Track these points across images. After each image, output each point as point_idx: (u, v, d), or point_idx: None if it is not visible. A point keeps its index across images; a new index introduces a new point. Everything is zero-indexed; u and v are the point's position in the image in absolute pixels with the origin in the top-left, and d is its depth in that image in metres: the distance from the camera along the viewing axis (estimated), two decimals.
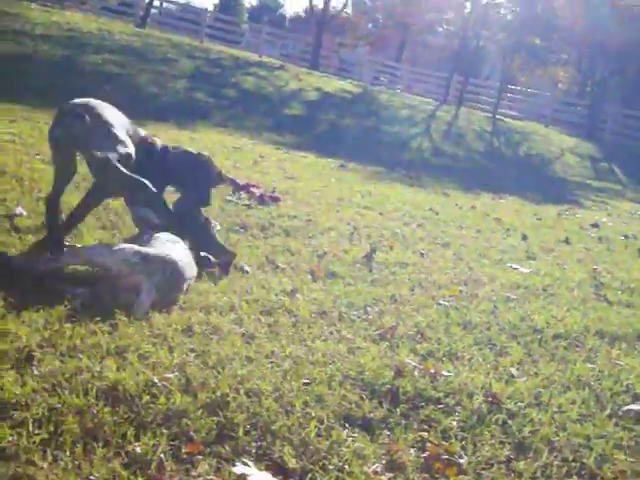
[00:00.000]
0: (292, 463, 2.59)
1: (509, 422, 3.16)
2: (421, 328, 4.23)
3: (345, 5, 41.48)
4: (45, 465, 2.36)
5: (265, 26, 36.51)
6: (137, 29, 25.10)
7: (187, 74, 20.59)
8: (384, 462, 2.70)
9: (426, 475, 2.67)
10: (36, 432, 2.52)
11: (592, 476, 2.88)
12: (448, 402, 3.26)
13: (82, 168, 4.78)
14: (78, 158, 4.65)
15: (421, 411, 3.16)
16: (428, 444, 2.86)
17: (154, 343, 3.38)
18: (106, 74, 18.27)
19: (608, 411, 3.44)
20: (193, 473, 2.46)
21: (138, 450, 2.51)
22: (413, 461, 2.73)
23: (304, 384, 3.19)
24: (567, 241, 8.48)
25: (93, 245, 4.46)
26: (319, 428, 2.83)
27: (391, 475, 2.63)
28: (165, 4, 36.91)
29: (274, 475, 2.52)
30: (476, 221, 9.03)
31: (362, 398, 3.17)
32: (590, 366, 4.02)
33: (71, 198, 5.73)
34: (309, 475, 2.55)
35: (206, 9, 35.71)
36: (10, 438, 2.46)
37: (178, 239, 4.45)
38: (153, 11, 31.82)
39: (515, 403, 3.35)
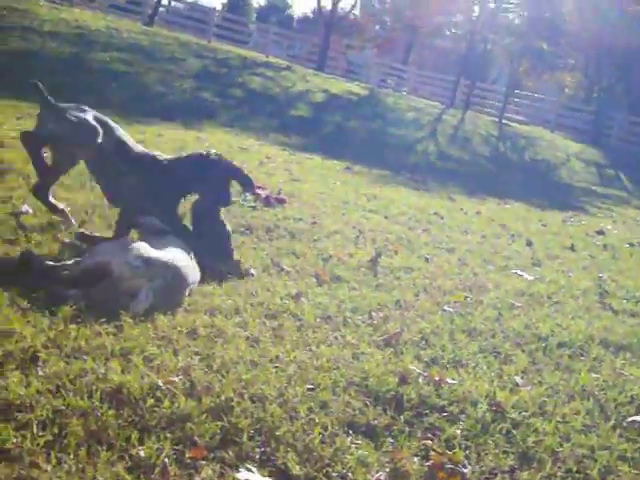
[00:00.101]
0: (296, 470, 2.58)
1: (513, 431, 3.16)
2: (426, 334, 4.23)
3: (353, 7, 41.45)
4: (49, 468, 2.36)
5: (273, 26, 36.53)
6: (145, 27, 25.10)
7: (194, 73, 20.59)
8: (388, 470, 2.70)
9: None
10: (40, 434, 2.52)
11: None
12: (452, 410, 3.26)
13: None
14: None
15: (425, 419, 3.15)
16: (432, 453, 2.85)
17: (159, 345, 3.38)
18: (113, 72, 18.27)
19: (612, 422, 3.43)
20: (196, 478, 2.46)
21: (142, 454, 2.51)
22: (417, 470, 2.72)
23: (308, 389, 3.19)
24: (572, 248, 8.46)
25: (102, 243, 4.44)
26: (323, 435, 2.83)
27: None
28: (173, 3, 36.99)
29: None
30: (481, 226, 9.02)
31: (366, 405, 3.16)
32: (594, 376, 4.01)
33: (77, 195, 5.75)
34: None
35: (214, 8, 35.78)
36: (14, 440, 2.46)
37: (182, 243, 4.44)
38: (161, 10, 31.82)
39: (519, 412, 3.35)
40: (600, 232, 10.52)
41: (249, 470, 2.51)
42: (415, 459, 2.80)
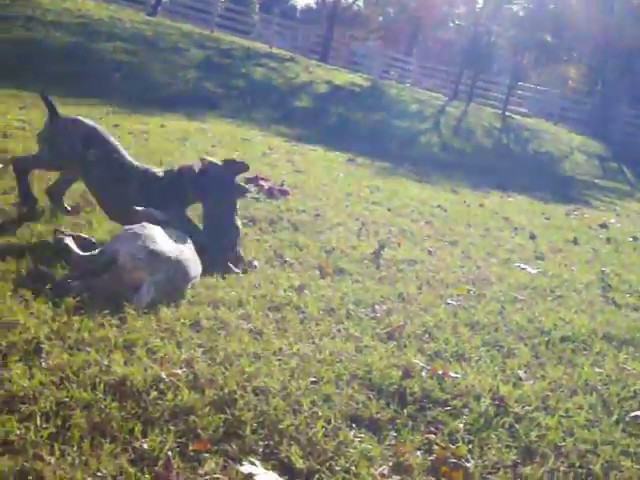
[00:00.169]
0: (299, 463, 2.58)
1: (516, 426, 3.15)
2: (429, 328, 4.22)
3: None
4: (52, 460, 2.36)
5: (276, 17, 36.40)
6: (148, 17, 25.04)
7: (197, 63, 20.56)
8: (391, 464, 2.70)
9: (433, 478, 2.67)
10: (44, 426, 2.52)
11: None
12: (455, 404, 3.25)
13: None
14: None
15: (428, 413, 3.15)
16: (435, 447, 2.85)
17: (162, 337, 3.38)
18: (116, 62, 18.26)
19: (615, 417, 3.42)
20: (200, 471, 2.46)
21: (145, 446, 2.51)
22: (420, 464, 2.72)
23: (311, 383, 3.18)
24: (575, 241, 8.45)
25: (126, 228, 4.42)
26: (326, 428, 2.83)
27: (398, 478, 2.62)
28: None
29: (281, 475, 2.51)
30: (484, 219, 9.00)
31: (369, 398, 3.16)
32: (597, 370, 4.00)
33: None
34: (316, 476, 2.54)
35: None
36: (17, 432, 2.46)
37: (181, 233, 4.40)
38: (164, 0, 31.72)
39: (522, 407, 3.34)
40: (603, 225, 10.51)
41: (252, 463, 2.51)
42: (418, 453, 2.80)
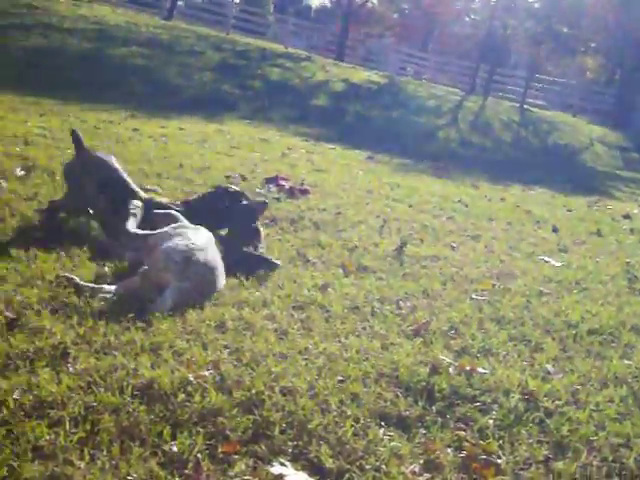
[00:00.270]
0: (329, 463, 2.57)
1: (546, 421, 3.12)
2: (455, 323, 4.19)
3: None
4: (82, 465, 2.36)
5: (291, 17, 36.42)
6: (163, 21, 25.13)
7: (213, 66, 20.59)
8: (421, 462, 2.67)
9: (464, 476, 2.64)
10: (73, 431, 2.52)
11: (633, 477, 2.83)
12: (484, 400, 3.23)
13: None
14: None
15: (457, 409, 3.12)
16: (465, 443, 2.83)
17: (188, 339, 3.38)
18: (133, 66, 18.34)
19: None
20: (230, 473, 2.44)
21: (174, 449, 2.51)
22: (451, 461, 2.69)
23: (339, 381, 3.17)
24: (599, 233, 8.38)
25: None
26: (355, 427, 2.81)
27: (429, 476, 2.60)
28: None
29: (311, 475, 2.50)
30: (506, 213, 8.95)
31: (397, 396, 3.14)
32: (627, 362, 3.95)
33: None
34: (346, 475, 2.52)
35: (232, 1, 35.62)
36: (47, 437, 2.46)
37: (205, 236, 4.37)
38: (179, 3, 31.83)
39: (552, 401, 3.31)
40: (626, 216, 10.42)
41: (282, 464, 2.50)
42: (449, 450, 2.78)
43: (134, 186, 5.03)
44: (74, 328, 3.30)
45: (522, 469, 2.74)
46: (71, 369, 2.92)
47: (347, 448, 2.67)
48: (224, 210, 5.06)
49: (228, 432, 2.65)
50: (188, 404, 2.78)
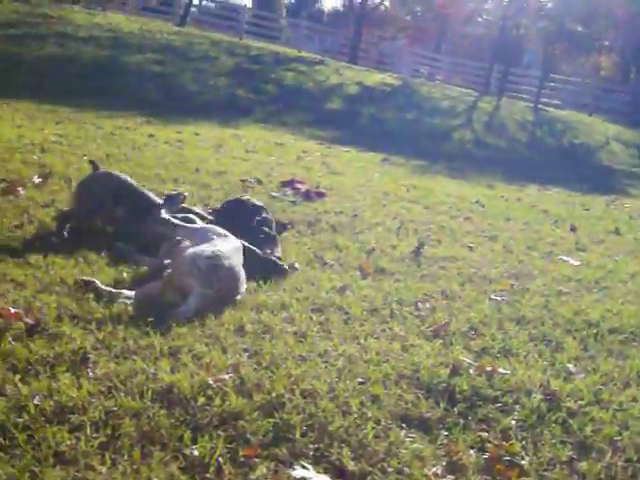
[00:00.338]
0: (351, 465, 2.55)
1: (569, 421, 3.08)
2: (474, 324, 4.16)
3: None
4: (104, 469, 2.35)
5: (304, 21, 36.44)
6: (177, 28, 25.23)
7: (227, 71, 20.65)
8: (444, 464, 2.65)
9: (487, 477, 2.61)
10: (94, 436, 2.51)
11: None
12: (506, 401, 3.20)
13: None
14: None
15: (479, 410, 3.09)
16: (488, 445, 2.80)
17: (207, 343, 3.37)
18: (148, 73, 18.42)
19: None
20: (251, 476, 2.43)
21: (195, 453, 2.49)
22: (474, 463, 2.67)
23: (359, 384, 3.15)
24: (617, 232, 8.32)
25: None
26: (376, 429, 2.79)
27: (452, 477, 2.57)
28: (204, 2, 37.02)
29: (332, 478, 2.48)
30: (523, 213, 8.91)
31: (418, 397, 3.11)
32: None
33: None
34: (368, 478, 2.50)
35: (245, 6, 35.71)
36: (68, 442, 2.46)
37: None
38: (192, 9, 31.93)
39: (575, 401, 3.27)
40: None
41: (304, 467, 2.48)
42: (471, 451, 2.75)
43: (151, 195, 5.16)
44: (93, 333, 3.30)
45: (546, 470, 2.71)
46: (91, 374, 2.92)
47: (369, 450, 2.65)
48: (247, 224, 5.07)
49: (249, 435, 2.64)
50: (208, 408, 2.77)
